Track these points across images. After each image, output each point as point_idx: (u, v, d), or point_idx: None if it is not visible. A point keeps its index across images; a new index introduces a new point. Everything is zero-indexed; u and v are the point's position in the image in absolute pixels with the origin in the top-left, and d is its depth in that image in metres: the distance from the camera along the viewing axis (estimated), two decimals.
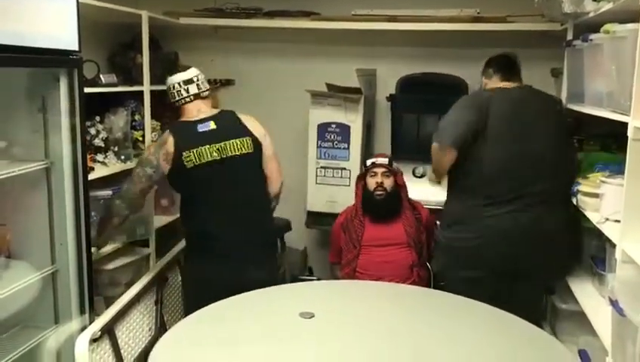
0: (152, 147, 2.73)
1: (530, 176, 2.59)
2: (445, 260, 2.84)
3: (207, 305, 2.31)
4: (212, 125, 2.64)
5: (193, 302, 2.50)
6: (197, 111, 2.70)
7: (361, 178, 3.15)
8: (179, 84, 2.71)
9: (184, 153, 2.55)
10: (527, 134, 2.62)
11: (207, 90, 2.76)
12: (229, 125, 2.68)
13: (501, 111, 2.64)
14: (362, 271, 3.01)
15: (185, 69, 2.77)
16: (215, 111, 2.74)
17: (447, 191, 2.85)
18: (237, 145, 2.63)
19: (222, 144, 2.60)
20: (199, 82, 2.73)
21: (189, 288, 2.85)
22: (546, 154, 2.61)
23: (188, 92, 2.70)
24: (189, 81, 2.71)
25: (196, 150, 2.56)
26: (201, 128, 2.63)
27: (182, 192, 2.72)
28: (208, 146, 2.58)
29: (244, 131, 2.68)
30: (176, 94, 2.72)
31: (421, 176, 3.53)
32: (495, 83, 2.83)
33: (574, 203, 2.53)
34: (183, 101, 2.72)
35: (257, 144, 2.68)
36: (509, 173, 2.59)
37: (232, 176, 2.62)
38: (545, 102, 2.78)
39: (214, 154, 2.58)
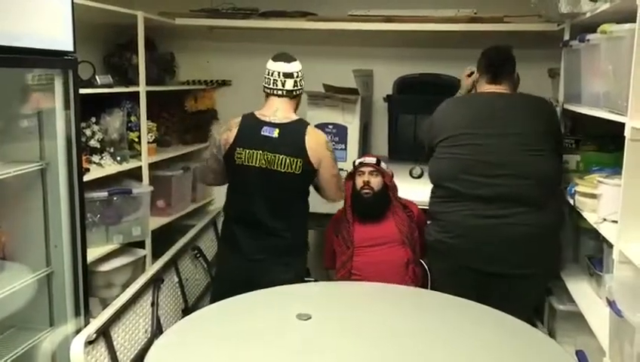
0: (221, 127, 2.80)
1: (490, 179, 2.60)
2: (428, 253, 2.97)
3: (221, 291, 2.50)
4: (275, 133, 2.61)
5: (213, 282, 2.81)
6: (275, 110, 2.66)
7: (350, 178, 3.16)
8: (278, 73, 2.66)
9: (238, 149, 2.64)
10: (490, 136, 2.64)
11: (300, 90, 2.71)
12: (290, 140, 2.62)
13: (463, 118, 2.75)
14: (358, 273, 3.00)
15: (290, 59, 2.69)
16: (288, 119, 2.66)
17: None
18: (286, 162, 2.61)
19: (273, 155, 2.60)
20: (297, 79, 2.68)
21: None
22: (512, 159, 2.60)
23: (283, 86, 2.65)
24: (288, 75, 2.66)
25: (249, 151, 2.62)
26: (264, 132, 2.62)
27: (228, 176, 2.79)
28: (261, 152, 2.61)
29: (300, 152, 2.61)
30: (271, 82, 2.67)
31: (418, 177, 3.52)
32: (481, 86, 2.85)
33: (572, 204, 2.53)
34: (272, 92, 2.68)
35: (309, 167, 2.63)
36: (468, 173, 2.63)
37: (268, 187, 2.65)
38: (527, 107, 2.76)
39: (262, 161, 2.61)
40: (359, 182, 3.08)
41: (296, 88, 2.68)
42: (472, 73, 3.00)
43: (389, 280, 2.88)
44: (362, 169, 3.10)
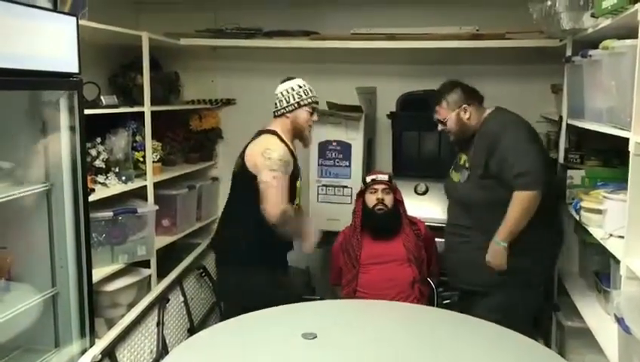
0: None
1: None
2: None
3: None
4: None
5: None
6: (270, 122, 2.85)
7: (361, 195, 3.15)
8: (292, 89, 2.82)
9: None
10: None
11: (279, 110, 2.83)
12: (250, 142, 2.80)
13: None
14: (363, 291, 2.98)
15: (282, 81, 2.86)
16: (269, 127, 2.83)
17: None
18: (236, 163, 2.80)
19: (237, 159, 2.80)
20: (277, 100, 2.83)
21: None
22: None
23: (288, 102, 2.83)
24: (275, 96, 2.84)
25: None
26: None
27: None
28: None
29: (242, 153, 2.77)
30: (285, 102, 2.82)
31: (423, 194, 3.52)
32: (480, 112, 2.79)
33: (578, 219, 2.52)
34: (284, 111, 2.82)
35: (245, 169, 2.72)
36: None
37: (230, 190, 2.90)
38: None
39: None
40: (372, 199, 3.06)
41: (275, 109, 2.82)
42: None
43: (395, 298, 2.87)
44: (375, 186, 3.08)
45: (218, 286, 3.08)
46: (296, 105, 2.78)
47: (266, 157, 2.64)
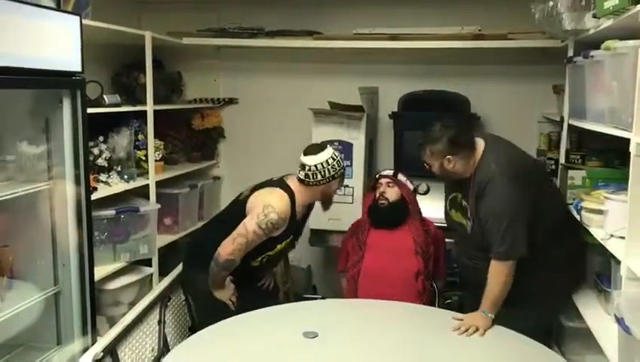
0: None
1: None
2: None
3: None
4: None
5: None
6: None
7: (372, 190, 3.21)
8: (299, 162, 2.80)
9: None
10: None
11: (311, 181, 2.77)
12: (268, 184, 2.81)
13: None
14: (367, 275, 2.99)
15: (309, 152, 2.79)
16: (291, 183, 2.81)
17: None
18: (247, 190, 2.83)
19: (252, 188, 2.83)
20: (309, 171, 2.75)
21: None
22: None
23: (299, 172, 2.80)
24: (302, 167, 2.78)
25: None
26: None
27: None
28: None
29: (256, 188, 2.80)
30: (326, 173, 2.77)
31: (425, 193, 3.52)
32: (470, 158, 2.61)
33: (579, 220, 2.52)
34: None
35: (244, 204, 2.73)
36: None
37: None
38: None
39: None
40: (376, 193, 3.13)
41: (308, 180, 2.76)
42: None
43: (398, 289, 2.87)
44: (380, 181, 3.17)
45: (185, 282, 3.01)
46: (330, 178, 2.77)
47: (265, 212, 2.62)
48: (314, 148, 2.81)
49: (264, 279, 3.05)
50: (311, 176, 2.75)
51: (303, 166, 2.76)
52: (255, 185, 2.82)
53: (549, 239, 2.58)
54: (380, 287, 2.88)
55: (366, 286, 2.95)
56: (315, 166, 2.74)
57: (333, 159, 2.78)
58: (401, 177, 3.18)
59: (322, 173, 2.75)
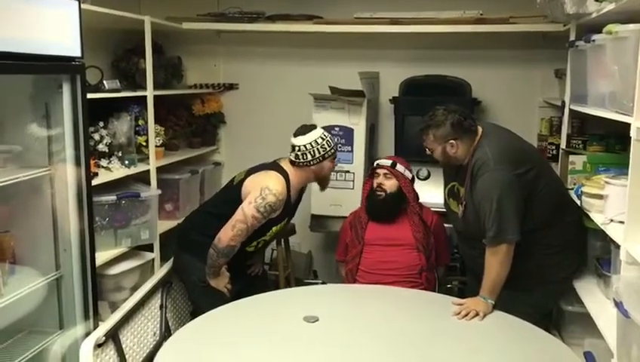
0: None
1: None
2: None
3: None
4: None
5: None
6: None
7: (369, 178, 3.18)
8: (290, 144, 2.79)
9: None
10: None
11: (303, 162, 2.77)
12: (262, 167, 2.81)
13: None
14: (365, 270, 3.00)
15: (299, 133, 2.79)
16: (285, 165, 2.82)
17: None
18: (240, 174, 2.84)
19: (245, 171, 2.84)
20: (299, 152, 2.76)
21: None
22: None
23: (289, 154, 2.80)
24: (293, 148, 2.78)
25: None
26: None
27: None
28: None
29: (250, 171, 2.80)
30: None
31: (425, 179, 3.52)
32: (471, 143, 2.60)
33: (579, 204, 2.52)
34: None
35: (239, 188, 2.73)
36: None
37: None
38: None
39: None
40: (373, 184, 3.10)
41: (298, 160, 2.76)
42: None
43: (399, 283, 2.88)
44: (378, 171, 3.11)
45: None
46: (321, 158, 2.76)
47: (262, 195, 2.61)
48: (303, 129, 2.81)
49: (254, 266, 3.06)
50: (301, 157, 2.75)
51: (293, 147, 2.77)
52: (248, 170, 2.82)
53: (548, 225, 2.59)
54: (380, 283, 2.89)
55: (365, 282, 2.96)
56: (305, 146, 2.74)
57: (323, 139, 2.77)
58: (399, 167, 3.12)
59: (312, 152, 2.74)
